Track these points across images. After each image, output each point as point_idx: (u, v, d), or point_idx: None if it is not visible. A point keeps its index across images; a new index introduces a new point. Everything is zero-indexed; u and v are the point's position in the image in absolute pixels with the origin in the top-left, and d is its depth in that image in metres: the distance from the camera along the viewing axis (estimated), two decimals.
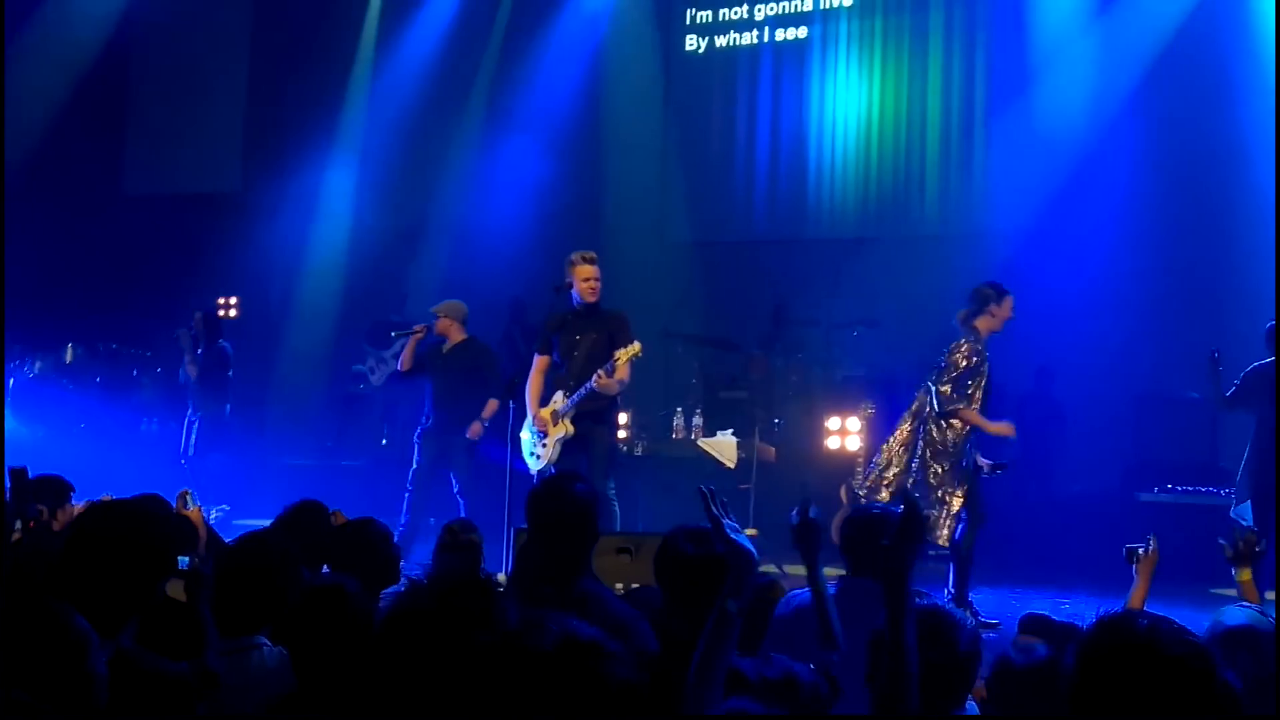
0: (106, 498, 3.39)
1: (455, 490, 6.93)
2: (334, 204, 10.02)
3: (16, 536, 4.05)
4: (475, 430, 6.85)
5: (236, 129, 11.06)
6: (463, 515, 6.75)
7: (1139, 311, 7.79)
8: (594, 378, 5.93)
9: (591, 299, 6.18)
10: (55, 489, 4.30)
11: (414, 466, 7.02)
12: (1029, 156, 8.73)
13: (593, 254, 6.29)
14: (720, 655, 2.15)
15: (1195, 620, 2.53)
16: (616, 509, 6.19)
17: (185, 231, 10.47)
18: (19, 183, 10.62)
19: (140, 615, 2.51)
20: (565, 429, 6.11)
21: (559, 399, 6.15)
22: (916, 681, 2.04)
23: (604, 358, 6.01)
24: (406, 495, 6.96)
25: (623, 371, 5.98)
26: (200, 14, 11.06)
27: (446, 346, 7.14)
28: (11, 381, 9.18)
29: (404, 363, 7.13)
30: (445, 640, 1.96)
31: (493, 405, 6.89)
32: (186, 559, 3.36)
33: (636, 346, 5.99)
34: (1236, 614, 3.02)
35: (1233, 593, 6.33)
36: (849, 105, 9.66)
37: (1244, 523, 6.22)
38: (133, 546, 2.41)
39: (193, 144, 11.05)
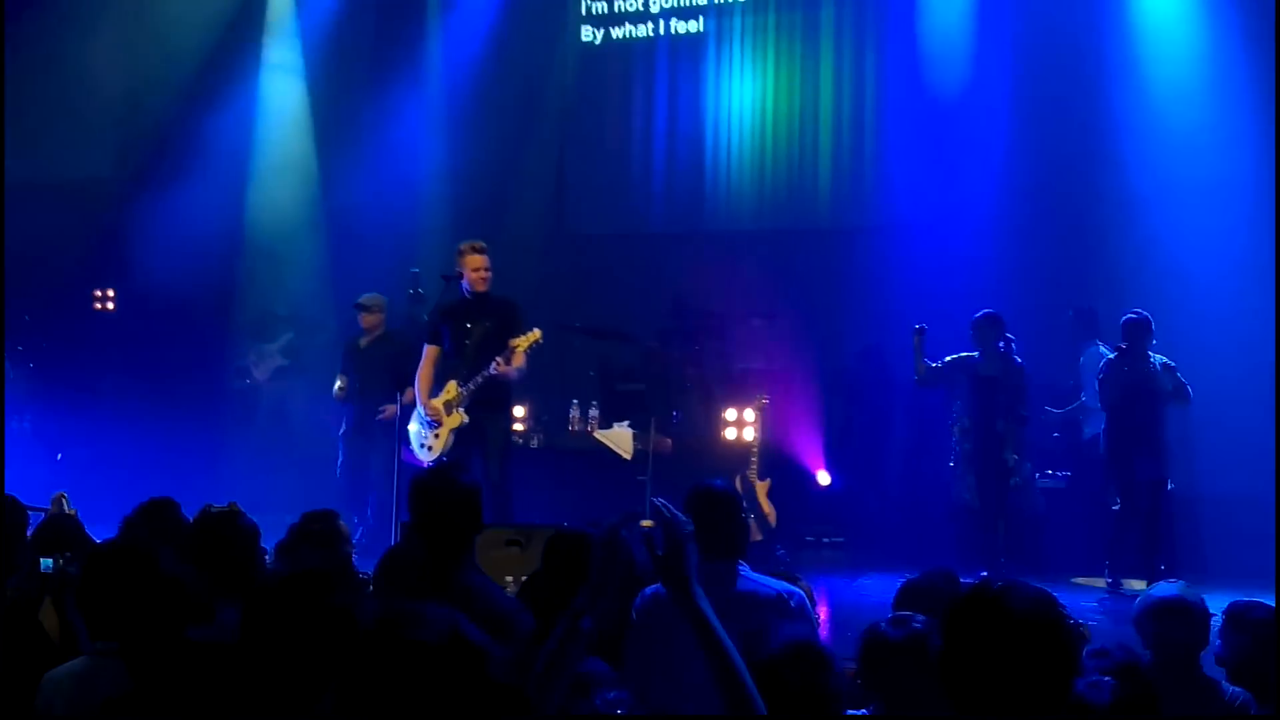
0: None
1: (374, 488, 6.78)
2: (215, 193, 9.65)
3: None
4: (390, 412, 6.75)
5: (109, 113, 10.57)
6: (370, 512, 6.62)
7: (1028, 305, 8.00)
8: (492, 364, 5.86)
9: (482, 288, 6.11)
10: None
11: (339, 462, 6.90)
12: (919, 149, 8.93)
13: (482, 244, 6.22)
14: (563, 665, 2.13)
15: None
16: (510, 500, 6.12)
17: (56, 221, 9.98)
18: None
19: None
20: (460, 418, 6.03)
21: (452, 388, 6.06)
22: (747, 678, 2.02)
23: (497, 347, 5.95)
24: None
25: (520, 359, 5.94)
26: None
27: (365, 341, 7.03)
28: None
29: None
30: (293, 634, 1.90)
31: (411, 392, 6.79)
32: (50, 561, 3.21)
33: (536, 334, 5.96)
34: (1166, 587, 3.24)
35: (1098, 582, 6.67)
36: (744, 99, 9.74)
37: None
38: None
39: (62, 128, 10.53)
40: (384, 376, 6.87)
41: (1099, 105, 8.40)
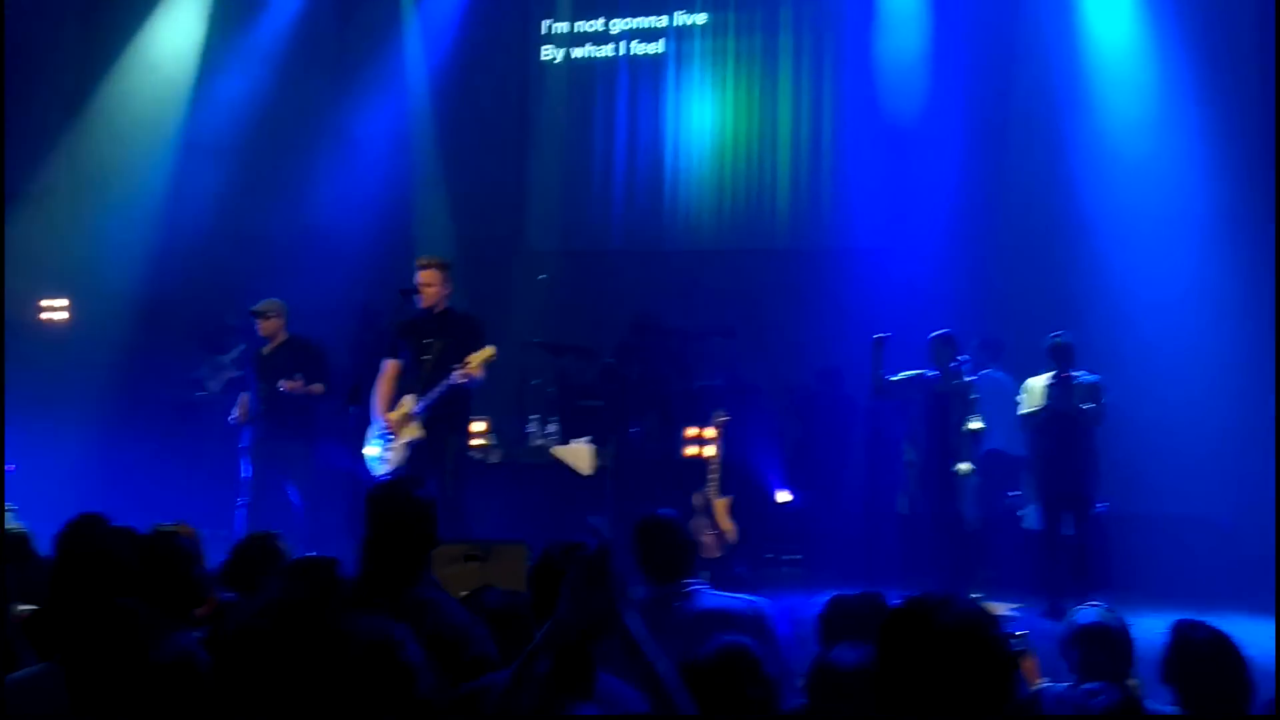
0: None
1: (296, 503, 6.69)
2: (168, 203, 9.52)
3: None
4: (290, 385, 6.68)
5: (48, 118, 10.36)
6: (304, 530, 6.52)
7: (982, 323, 8.11)
8: (454, 374, 5.83)
9: (427, 305, 6.09)
10: None
11: (245, 477, 6.76)
12: (876, 172, 9.07)
13: (428, 259, 6.20)
14: (514, 706, 2.09)
15: None
16: (466, 516, 6.08)
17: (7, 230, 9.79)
18: None
19: None
20: (416, 432, 5.99)
21: (408, 401, 6.03)
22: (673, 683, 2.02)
23: (455, 363, 5.93)
24: (241, 510, 6.69)
25: (477, 370, 5.91)
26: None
27: (268, 349, 6.92)
28: None
29: None
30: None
31: (317, 388, 6.78)
32: None
33: (490, 350, 5.93)
34: (1088, 613, 3.16)
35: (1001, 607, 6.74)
36: (704, 120, 9.82)
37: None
38: None
39: (14, 136, 10.33)
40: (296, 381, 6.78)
41: (1052, 130, 8.59)
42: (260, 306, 6.95)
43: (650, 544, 3.34)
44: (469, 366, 5.85)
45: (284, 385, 6.61)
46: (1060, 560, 6.78)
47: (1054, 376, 6.89)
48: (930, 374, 6.98)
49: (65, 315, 8.30)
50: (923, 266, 8.51)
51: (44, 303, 8.75)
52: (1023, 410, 7.05)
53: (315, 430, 6.91)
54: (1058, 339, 6.93)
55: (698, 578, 3.37)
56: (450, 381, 5.86)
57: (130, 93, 9.71)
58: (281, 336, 6.90)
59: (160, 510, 4.14)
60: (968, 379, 6.94)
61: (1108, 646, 3.02)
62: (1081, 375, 6.88)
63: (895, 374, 7.03)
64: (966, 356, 7.04)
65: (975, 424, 6.71)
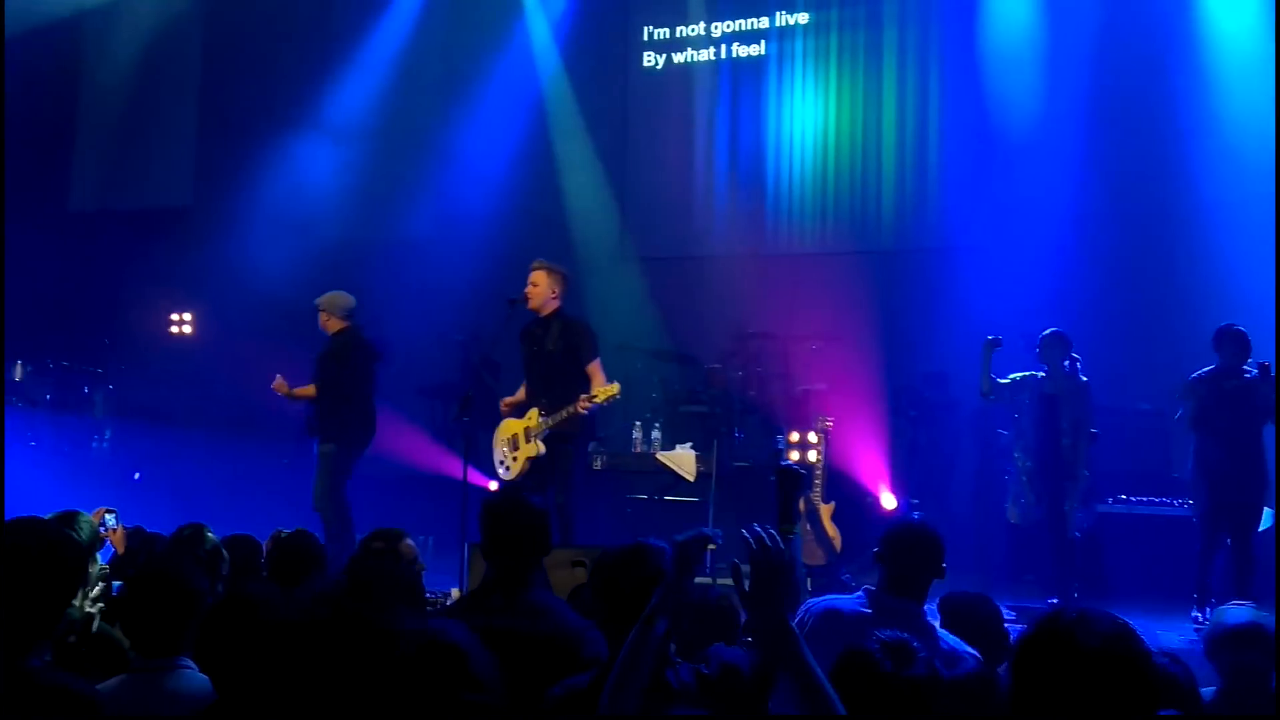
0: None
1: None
2: (290, 217, 9.92)
3: None
4: (279, 384, 6.73)
5: (188, 143, 10.93)
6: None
7: (1093, 323, 7.88)
8: (578, 403, 5.89)
9: (530, 307, 6.19)
10: None
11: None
12: (984, 170, 8.87)
13: (536, 263, 6.29)
14: (638, 669, 2.13)
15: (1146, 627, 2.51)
16: (574, 523, 6.15)
17: (136, 247, 10.32)
18: None
19: (53, 638, 2.44)
20: (537, 449, 6.07)
21: (533, 416, 6.12)
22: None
23: (567, 368, 6.00)
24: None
25: (601, 401, 5.95)
26: (150, 27, 10.94)
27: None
28: None
29: None
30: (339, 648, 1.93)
31: (308, 390, 6.73)
32: (120, 583, 3.29)
33: (615, 388, 5.94)
34: (1237, 613, 3.05)
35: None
36: (806, 121, 9.75)
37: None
38: (37, 566, 2.32)
39: (143, 159, 10.90)
40: (321, 378, 6.77)
41: (1168, 125, 8.29)
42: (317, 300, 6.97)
43: (902, 552, 3.17)
44: (596, 400, 5.90)
45: (580, 407, 6.02)
46: (1212, 569, 6.38)
47: (1223, 370, 6.31)
48: (1040, 375, 6.77)
49: (190, 330, 8.65)
50: (1032, 264, 8.29)
51: (174, 316, 9.14)
52: (1185, 412, 6.50)
53: (340, 431, 6.73)
54: (1232, 329, 6.32)
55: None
56: (572, 408, 5.90)
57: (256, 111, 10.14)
58: (335, 328, 6.83)
59: (278, 518, 4.30)
60: (1083, 379, 6.72)
61: (1260, 647, 2.89)
62: (1251, 370, 6.26)
63: (1004, 376, 6.85)
64: (1078, 356, 6.82)
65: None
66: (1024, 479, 6.80)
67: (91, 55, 11.23)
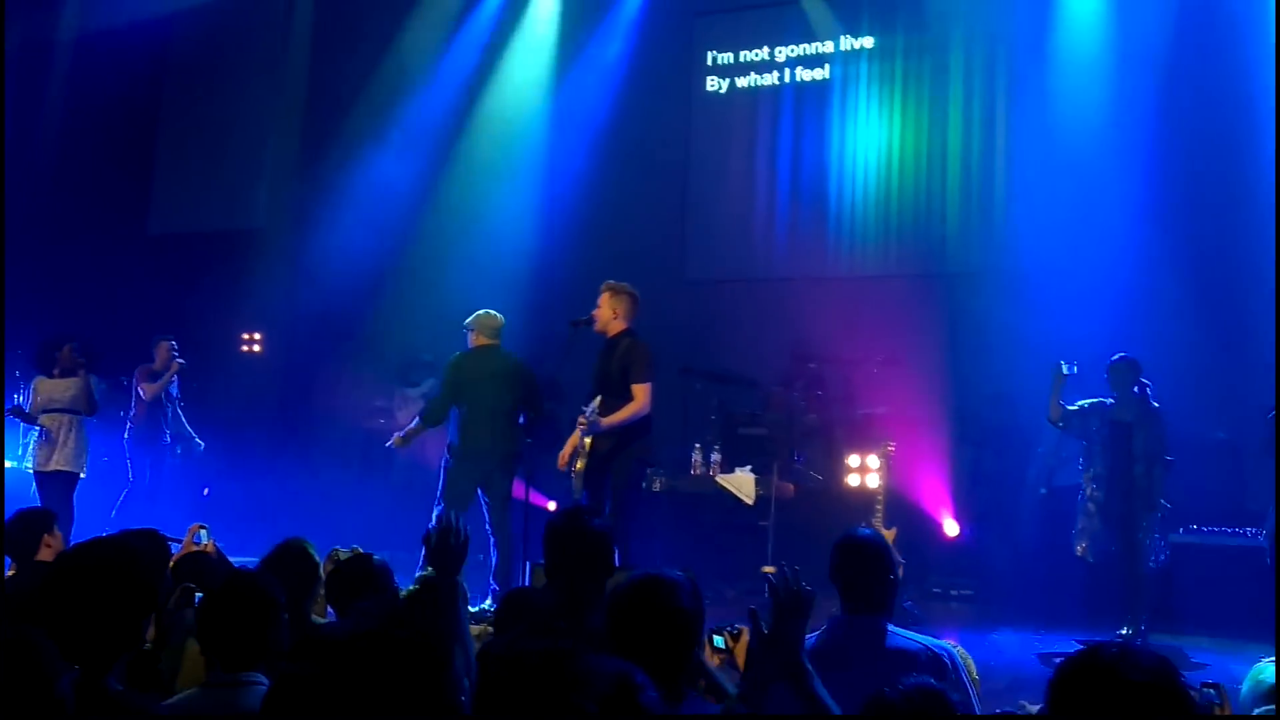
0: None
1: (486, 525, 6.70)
2: (358, 238, 10.14)
3: (11, 572, 4.09)
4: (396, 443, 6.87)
5: (260, 168, 11.25)
6: (494, 555, 6.59)
7: (1163, 349, 7.73)
8: (594, 421, 5.92)
9: (596, 328, 6.23)
10: (33, 521, 4.29)
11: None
12: (1050, 193, 8.74)
13: (606, 282, 6.33)
14: None
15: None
16: (628, 545, 6.15)
17: (209, 268, 10.62)
18: (51, 223, 10.84)
19: (128, 656, 2.49)
20: (581, 464, 6.11)
21: (576, 436, 6.17)
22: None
23: (615, 389, 6.04)
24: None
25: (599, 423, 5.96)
26: (225, 55, 11.31)
27: None
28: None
29: None
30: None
31: (419, 428, 6.81)
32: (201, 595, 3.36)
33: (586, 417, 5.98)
34: (1272, 669, 2.94)
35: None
36: (870, 144, 9.71)
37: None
38: (114, 583, 2.38)
39: (217, 184, 11.25)
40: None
41: (1242, 144, 8.09)
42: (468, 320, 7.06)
43: (854, 567, 3.12)
44: (599, 421, 5.92)
45: (601, 424, 6.15)
46: None
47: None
48: (1109, 401, 6.63)
49: (260, 348, 8.86)
50: (1098, 289, 8.15)
51: (245, 335, 9.36)
52: None
53: (447, 448, 6.81)
54: None
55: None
56: (595, 427, 5.93)
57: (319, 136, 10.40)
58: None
59: (345, 535, 4.36)
60: (1155, 405, 6.57)
61: None
62: None
63: (1071, 403, 6.72)
64: (1148, 382, 6.68)
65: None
66: (1093, 509, 6.63)
67: (170, 86, 11.62)
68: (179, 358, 8.30)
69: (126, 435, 8.42)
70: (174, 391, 8.56)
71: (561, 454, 6.19)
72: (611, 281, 6.36)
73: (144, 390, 8.28)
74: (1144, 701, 1.65)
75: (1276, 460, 6.00)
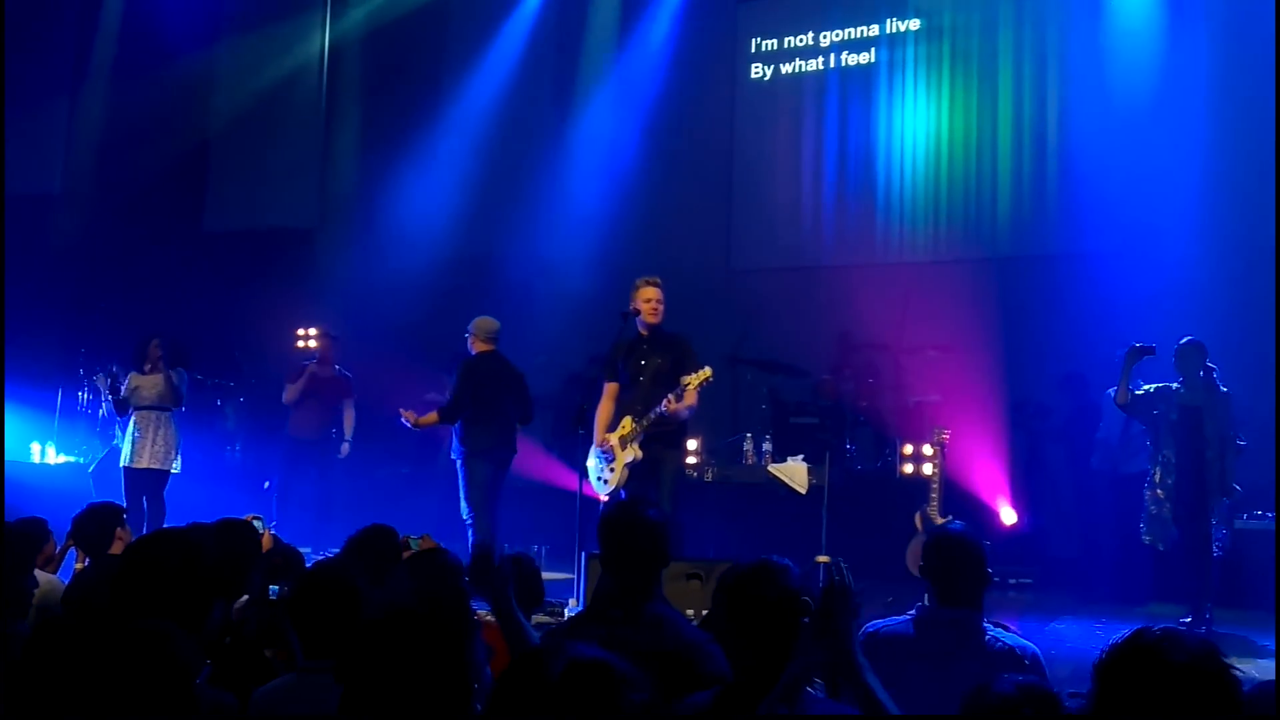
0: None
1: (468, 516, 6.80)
2: (408, 236, 10.27)
3: (80, 566, 4.19)
4: (407, 416, 6.97)
5: (313, 167, 11.41)
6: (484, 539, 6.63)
7: (1218, 331, 7.56)
8: (663, 402, 5.92)
9: (653, 320, 6.19)
10: (104, 516, 4.39)
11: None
12: (1104, 173, 8.59)
13: (655, 277, 6.30)
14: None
15: None
16: (679, 535, 6.15)
17: (265, 266, 10.79)
18: (110, 221, 11.07)
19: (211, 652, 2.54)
20: (634, 453, 6.09)
21: (627, 424, 6.16)
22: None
23: (669, 382, 6.02)
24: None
25: (691, 397, 5.96)
26: (276, 55, 11.46)
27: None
28: (103, 409, 9.53)
29: None
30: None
31: (431, 418, 6.93)
32: (277, 588, 3.42)
33: (707, 371, 5.94)
34: None
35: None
36: (917, 128, 9.60)
37: None
38: (179, 574, 2.44)
39: (271, 183, 11.43)
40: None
41: None
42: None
43: (948, 563, 3.12)
44: (686, 390, 5.91)
45: (665, 407, 6.02)
46: None
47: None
48: (1175, 386, 6.48)
49: (316, 344, 8.97)
50: (1154, 271, 7.99)
51: (300, 331, 9.49)
52: None
53: (464, 445, 6.88)
54: None
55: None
56: (659, 410, 5.92)
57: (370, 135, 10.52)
58: (475, 350, 7.02)
59: (404, 527, 4.41)
60: (1223, 389, 6.41)
61: None
62: None
63: (1136, 388, 6.57)
64: (1214, 366, 6.53)
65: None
66: (1162, 495, 6.48)
67: (224, 86, 11.81)
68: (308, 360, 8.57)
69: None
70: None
71: (607, 435, 6.19)
72: (655, 277, 6.36)
73: (287, 393, 8.53)
74: (1188, 683, 1.69)
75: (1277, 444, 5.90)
